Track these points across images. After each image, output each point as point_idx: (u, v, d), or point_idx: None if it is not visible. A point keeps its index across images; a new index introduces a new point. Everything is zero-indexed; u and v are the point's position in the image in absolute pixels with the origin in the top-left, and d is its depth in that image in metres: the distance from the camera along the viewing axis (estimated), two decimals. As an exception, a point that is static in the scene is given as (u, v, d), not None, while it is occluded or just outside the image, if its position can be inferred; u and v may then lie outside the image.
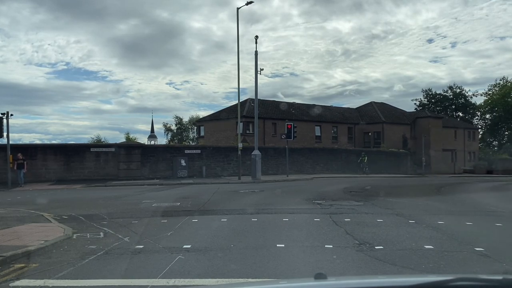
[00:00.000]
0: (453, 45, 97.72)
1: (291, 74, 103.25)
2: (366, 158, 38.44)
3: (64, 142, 69.55)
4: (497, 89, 76.47)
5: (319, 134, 45.78)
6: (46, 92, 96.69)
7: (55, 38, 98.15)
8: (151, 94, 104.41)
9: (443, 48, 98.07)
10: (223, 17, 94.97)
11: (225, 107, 46.84)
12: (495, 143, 73.21)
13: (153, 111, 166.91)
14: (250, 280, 5.42)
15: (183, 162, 25.99)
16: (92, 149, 25.88)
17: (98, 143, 43.65)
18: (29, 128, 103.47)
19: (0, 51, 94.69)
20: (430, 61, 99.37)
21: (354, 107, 55.34)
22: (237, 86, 29.51)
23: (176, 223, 9.92)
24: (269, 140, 39.77)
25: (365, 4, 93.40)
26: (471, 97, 79.35)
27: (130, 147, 26.84)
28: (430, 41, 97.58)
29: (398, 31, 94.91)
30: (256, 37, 26.77)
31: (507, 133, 72.58)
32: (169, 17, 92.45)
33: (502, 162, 59.38)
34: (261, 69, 26.48)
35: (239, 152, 26.75)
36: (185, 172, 26.09)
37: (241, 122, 39.21)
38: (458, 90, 78.79)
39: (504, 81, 76.37)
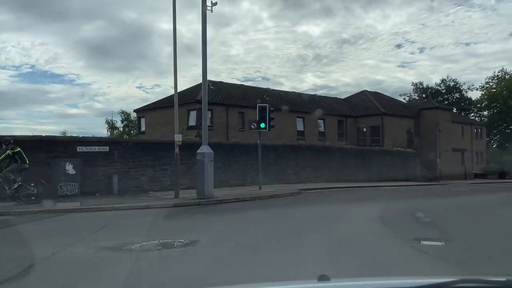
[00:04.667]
0: (421, 50, 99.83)
1: (263, 78, 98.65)
2: None
3: None
4: (495, 81, 67.86)
5: (302, 129, 34.78)
6: (10, 95, 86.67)
7: (19, 39, 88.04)
8: (120, 97, 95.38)
9: (412, 53, 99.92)
10: (191, 18, 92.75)
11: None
12: (497, 140, 64.17)
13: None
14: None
15: (69, 169, 14.15)
16: None
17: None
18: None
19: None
20: (399, 66, 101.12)
21: (342, 98, 44.77)
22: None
23: None
24: (234, 134, 28.40)
25: (334, 9, 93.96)
26: (466, 91, 70.58)
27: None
28: (399, 46, 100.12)
29: (368, 36, 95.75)
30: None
31: (508, 130, 63.81)
32: (136, 18, 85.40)
33: (515, 164, 50.06)
34: (214, 2, 15.02)
35: (177, 150, 15.21)
36: (74, 186, 14.28)
37: (193, 110, 27.75)
38: (452, 83, 69.81)
39: (503, 73, 67.87)
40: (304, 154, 25.97)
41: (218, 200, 14.60)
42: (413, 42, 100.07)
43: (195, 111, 27.45)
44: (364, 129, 38.99)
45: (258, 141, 19.75)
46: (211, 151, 14.98)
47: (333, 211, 12.83)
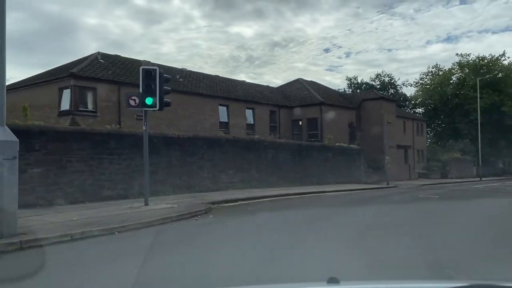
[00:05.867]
0: (347, 55, 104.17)
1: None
2: None
3: None
4: (429, 77, 65.95)
5: (226, 120, 27.70)
6: None
7: None
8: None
9: (339, 58, 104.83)
10: (120, 14, 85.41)
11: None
12: (431, 137, 61.90)
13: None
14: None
15: None
16: None
17: None
18: None
19: None
20: (327, 69, 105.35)
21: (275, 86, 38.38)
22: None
23: None
24: (132, 123, 20.41)
25: (265, 11, 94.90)
26: (401, 87, 68.07)
27: None
28: (327, 50, 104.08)
29: (298, 40, 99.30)
30: None
31: (443, 124, 61.88)
32: (60, 11, 75.97)
33: (455, 163, 47.11)
34: None
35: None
36: None
37: (67, 88, 19.62)
38: (387, 79, 66.90)
39: (437, 69, 66.16)
40: (224, 151, 18.89)
41: (26, 243, 6.97)
42: (340, 47, 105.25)
43: (69, 90, 19.19)
44: (300, 123, 32.89)
45: (144, 128, 12.31)
46: (12, 138, 7.29)
47: (249, 272, 5.78)
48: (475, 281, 1.89)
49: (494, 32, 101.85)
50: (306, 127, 32.59)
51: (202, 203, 13.01)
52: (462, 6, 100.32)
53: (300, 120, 32.83)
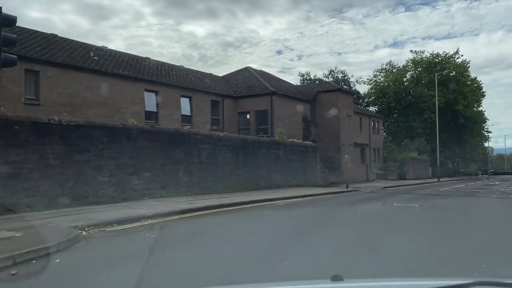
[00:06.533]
0: (299, 57, 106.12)
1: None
2: None
3: None
4: (383, 74, 63.76)
5: (155, 110, 22.47)
6: None
7: None
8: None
9: (291, 60, 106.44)
10: (66, 8, 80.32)
11: None
12: (385, 136, 59.60)
13: None
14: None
15: None
16: None
17: None
18: None
19: None
20: (279, 71, 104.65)
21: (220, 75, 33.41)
22: None
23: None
24: (19, 108, 14.74)
25: (218, 11, 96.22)
26: (355, 84, 65.45)
27: None
28: (279, 52, 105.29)
29: (251, 41, 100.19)
30: None
31: (398, 123, 59.77)
32: None
33: (412, 163, 44.45)
34: None
35: None
36: None
37: None
38: (341, 76, 63.99)
39: (391, 66, 64.14)
40: (137, 146, 13.72)
41: None
42: (292, 49, 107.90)
43: None
44: (248, 116, 28.22)
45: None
46: None
47: None
48: (479, 278, 1.82)
49: (436, 39, 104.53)
50: (254, 121, 27.97)
51: (73, 226, 7.90)
52: (408, 13, 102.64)
53: (248, 112, 28.17)
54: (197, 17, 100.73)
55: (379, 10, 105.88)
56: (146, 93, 21.97)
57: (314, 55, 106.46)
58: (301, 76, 63.67)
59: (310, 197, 17.26)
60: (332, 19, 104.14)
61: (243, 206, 13.10)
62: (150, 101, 22.49)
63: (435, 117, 51.78)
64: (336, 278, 1.91)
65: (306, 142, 25.31)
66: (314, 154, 25.49)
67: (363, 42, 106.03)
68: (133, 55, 25.35)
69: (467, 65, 58.11)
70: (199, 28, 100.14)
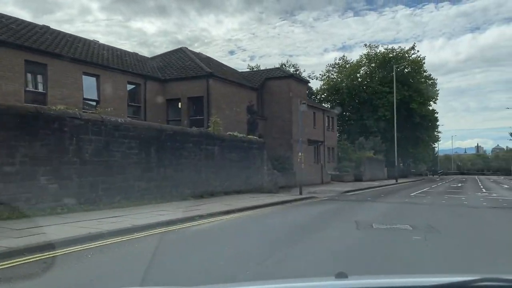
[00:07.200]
0: (252, 58, 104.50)
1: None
2: None
3: None
4: (336, 70, 60.19)
5: (41, 90, 16.33)
6: None
7: None
8: None
9: (243, 60, 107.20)
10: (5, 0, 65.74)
11: None
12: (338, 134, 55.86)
13: None
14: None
15: None
16: None
17: None
18: None
19: None
20: None
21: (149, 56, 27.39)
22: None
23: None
24: None
25: (168, 9, 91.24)
26: (308, 81, 61.26)
27: None
28: (232, 52, 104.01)
29: (203, 40, 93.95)
30: None
31: (351, 121, 56.41)
32: None
33: (369, 163, 40.66)
34: None
35: None
36: None
37: None
38: (293, 70, 59.62)
39: (344, 61, 60.68)
40: None
41: None
42: (244, 50, 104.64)
43: None
44: (180, 104, 22.55)
45: None
46: None
47: None
48: (485, 274, 1.77)
49: (383, 44, 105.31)
50: (187, 111, 22.39)
51: None
52: (356, 17, 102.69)
53: (179, 100, 22.54)
54: (147, 14, 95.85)
55: (329, 14, 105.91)
56: (26, 66, 15.72)
57: (266, 56, 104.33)
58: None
59: (250, 211, 12.04)
60: (284, 21, 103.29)
61: (138, 237, 7.62)
62: (36, 78, 16.29)
63: (390, 114, 48.94)
64: (341, 275, 1.88)
65: (250, 137, 20.10)
66: (261, 152, 20.34)
67: (314, 45, 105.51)
68: (17, 18, 18.95)
69: (422, 62, 55.73)
70: (149, 26, 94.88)
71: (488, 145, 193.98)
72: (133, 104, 21.04)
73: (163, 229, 8.50)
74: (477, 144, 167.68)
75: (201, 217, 10.11)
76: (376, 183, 33.89)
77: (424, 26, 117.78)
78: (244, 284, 2.59)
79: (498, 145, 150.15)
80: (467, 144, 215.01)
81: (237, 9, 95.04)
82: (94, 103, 18.38)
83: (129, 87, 21.03)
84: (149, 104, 21.60)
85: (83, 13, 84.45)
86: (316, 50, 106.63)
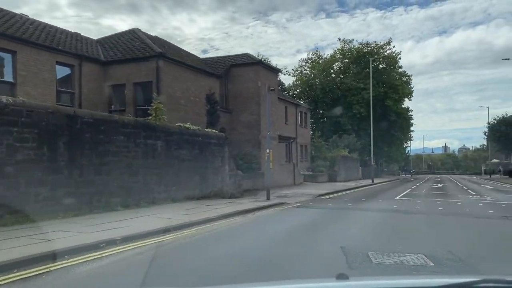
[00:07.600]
0: None
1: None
2: None
3: None
4: (309, 65, 57.39)
5: None
6: None
7: None
8: None
9: None
10: None
11: None
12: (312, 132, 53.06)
13: None
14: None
15: None
16: None
17: None
18: None
19: None
20: None
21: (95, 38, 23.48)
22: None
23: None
24: None
25: (140, 6, 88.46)
26: (279, 75, 58.17)
27: None
28: (204, 51, 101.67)
29: (176, 39, 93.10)
30: None
31: (325, 118, 53.74)
32: None
33: (344, 162, 37.89)
34: None
35: None
36: None
37: None
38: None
39: (317, 56, 57.96)
40: None
41: None
42: (217, 49, 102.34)
43: None
44: (125, 91, 18.83)
45: None
46: None
47: None
48: (486, 276, 1.77)
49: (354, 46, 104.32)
50: (132, 99, 18.69)
51: None
52: (328, 19, 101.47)
53: (124, 86, 18.80)
54: (118, 11, 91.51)
55: (301, 15, 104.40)
56: None
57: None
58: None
59: (191, 229, 8.59)
60: (257, 22, 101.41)
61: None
62: None
63: (365, 111, 46.54)
64: (341, 276, 1.87)
65: (208, 130, 16.63)
66: (222, 149, 16.90)
67: (286, 45, 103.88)
68: None
69: (398, 57, 53.65)
70: (120, 23, 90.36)
71: (454, 145, 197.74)
72: (65, 90, 17.19)
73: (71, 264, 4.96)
74: (445, 144, 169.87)
75: (109, 243, 6.61)
76: (352, 184, 31.09)
77: (394, 28, 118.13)
78: (244, 285, 2.59)
79: (464, 145, 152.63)
80: (435, 144, 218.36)
81: (210, 8, 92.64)
82: (8, 86, 14.50)
83: (61, 69, 17.18)
84: (87, 91, 17.79)
85: (51, 8, 79.67)
86: (289, 50, 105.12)
